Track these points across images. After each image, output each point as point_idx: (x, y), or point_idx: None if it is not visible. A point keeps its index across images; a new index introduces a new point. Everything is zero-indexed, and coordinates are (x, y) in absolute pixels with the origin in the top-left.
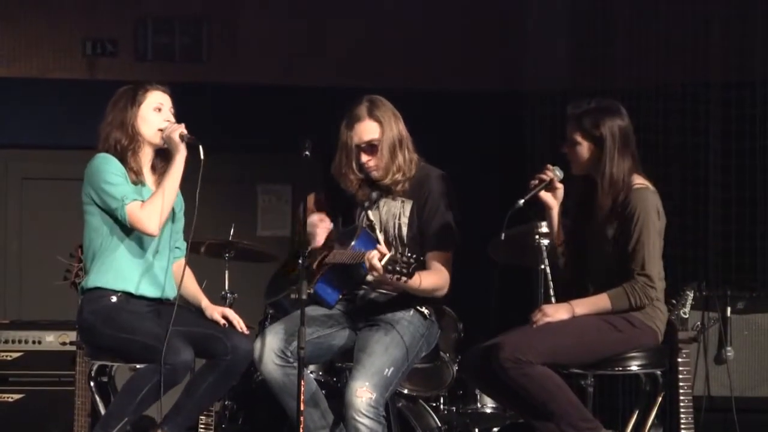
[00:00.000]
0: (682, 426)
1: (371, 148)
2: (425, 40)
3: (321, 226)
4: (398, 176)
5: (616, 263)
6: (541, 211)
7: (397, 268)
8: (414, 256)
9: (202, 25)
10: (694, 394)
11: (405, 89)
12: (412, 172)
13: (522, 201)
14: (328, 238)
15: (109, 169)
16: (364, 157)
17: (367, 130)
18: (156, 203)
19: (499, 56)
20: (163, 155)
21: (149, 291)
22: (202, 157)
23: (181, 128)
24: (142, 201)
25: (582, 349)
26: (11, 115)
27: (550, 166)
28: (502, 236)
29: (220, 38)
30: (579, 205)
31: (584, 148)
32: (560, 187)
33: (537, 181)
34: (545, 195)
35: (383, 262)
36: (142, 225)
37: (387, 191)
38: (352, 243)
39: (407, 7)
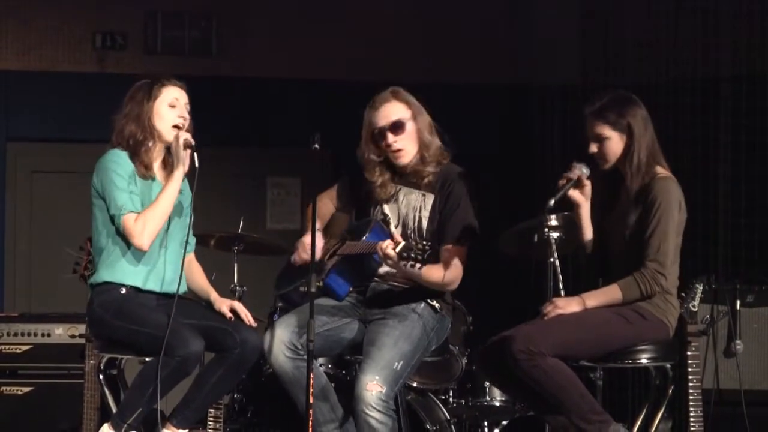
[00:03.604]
0: (692, 419)
1: (398, 127)
2: (435, 34)
3: (306, 251)
4: (429, 164)
5: (634, 251)
6: (570, 209)
7: (412, 255)
8: (429, 243)
9: (212, 18)
10: (703, 388)
11: (414, 83)
12: (440, 163)
13: (552, 201)
14: (341, 231)
15: (116, 169)
16: (391, 138)
17: (394, 109)
18: (149, 218)
19: (508, 50)
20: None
21: (157, 286)
22: (197, 165)
23: (187, 136)
24: (138, 213)
25: (593, 342)
26: (21, 108)
27: (576, 164)
28: (536, 239)
29: (229, 32)
30: (603, 196)
31: (614, 141)
32: (588, 183)
33: (565, 181)
34: (574, 193)
35: (398, 250)
36: (132, 239)
37: (410, 181)
38: (365, 236)
39: (416, 1)
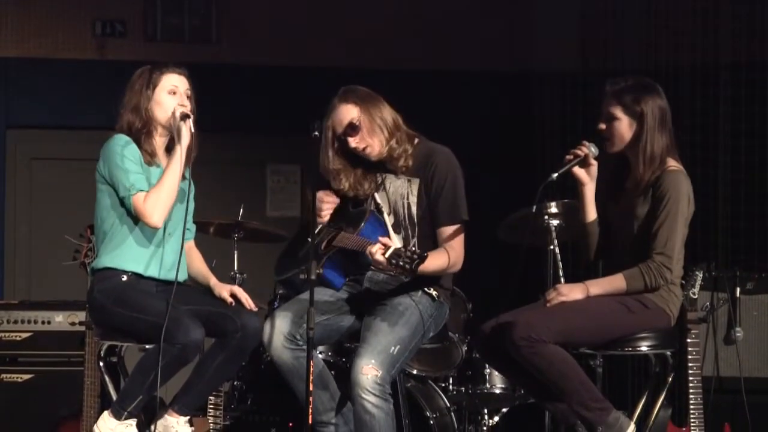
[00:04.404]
0: (691, 407)
1: (354, 128)
2: (436, 20)
3: (327, 201)
4: (401, 144)
5: (641, 243)
6: (573, 186)
7: (401, 262)
8: (418, 251)
9: (212, 5)
10: (703, 375)
11: (414, 69)
12: (410, 145)
13: (555, 175)
14: (337, 218)
15: (122, 152)
16: (352, 141)
17: (344, 113)
18: (158, 196)
19: (509, 36)
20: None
21: (159, 272)
22: (192, 130)
23: (183, 108)
24: (147, 192)
25: (595, 330)
26: (20, 95)
27: (585, 142)
28: (534, 209)
29: (229, 19)
30: (609, 183)
31: (624, 124)
32: (594, 163)
33: (572, 156)
34: (579, 171)
35: (387, 255)
36: (144, 218)
37: (388, 168)
38: (361, 226)
39: None
